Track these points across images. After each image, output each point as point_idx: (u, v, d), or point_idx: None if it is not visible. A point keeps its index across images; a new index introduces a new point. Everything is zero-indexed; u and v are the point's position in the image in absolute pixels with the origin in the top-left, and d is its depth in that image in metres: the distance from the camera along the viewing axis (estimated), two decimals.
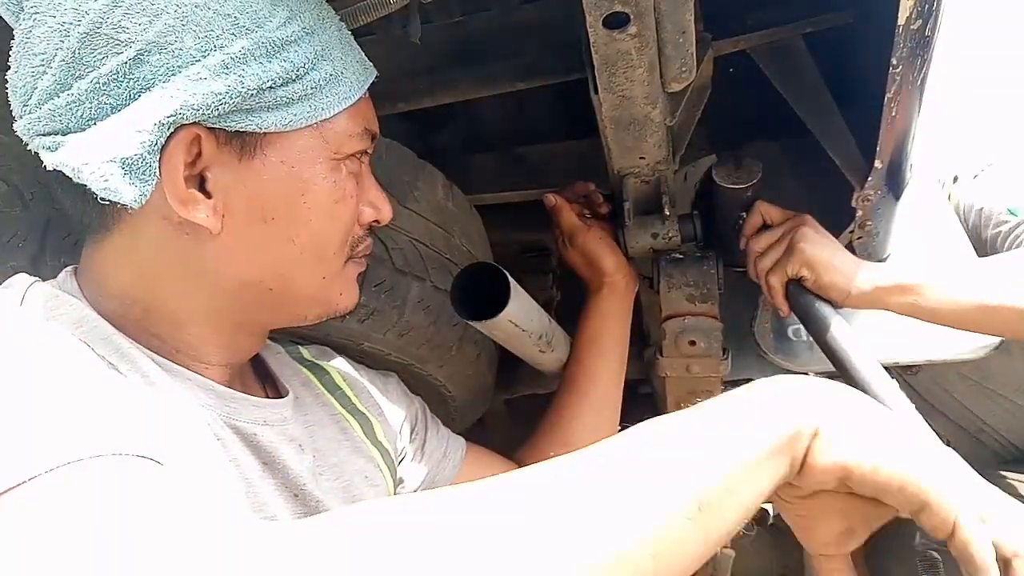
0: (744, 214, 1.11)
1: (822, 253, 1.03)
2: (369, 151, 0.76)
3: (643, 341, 1.50)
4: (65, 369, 0.53)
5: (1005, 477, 1.55)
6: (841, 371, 1.01)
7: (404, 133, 1.22)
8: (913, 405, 0.87)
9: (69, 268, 0.70)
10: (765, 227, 1.11)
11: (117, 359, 0.63)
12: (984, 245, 1.33)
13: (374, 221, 0.79)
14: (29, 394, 0.48)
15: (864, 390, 0.95)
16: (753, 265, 1.10)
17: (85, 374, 0.54)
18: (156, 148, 0.60)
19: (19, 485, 0.43)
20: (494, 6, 1.03)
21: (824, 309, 1.03)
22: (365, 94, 0.73)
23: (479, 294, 0.96)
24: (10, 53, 0.62)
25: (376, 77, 0.75)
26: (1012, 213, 1.26)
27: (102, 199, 0.59)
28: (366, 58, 0.74)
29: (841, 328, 1.00)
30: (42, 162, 0.63)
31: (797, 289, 1.06)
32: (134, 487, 0.46)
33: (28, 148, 0.63)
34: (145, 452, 0.49)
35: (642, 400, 2.09)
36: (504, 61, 1.03)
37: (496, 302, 0.95)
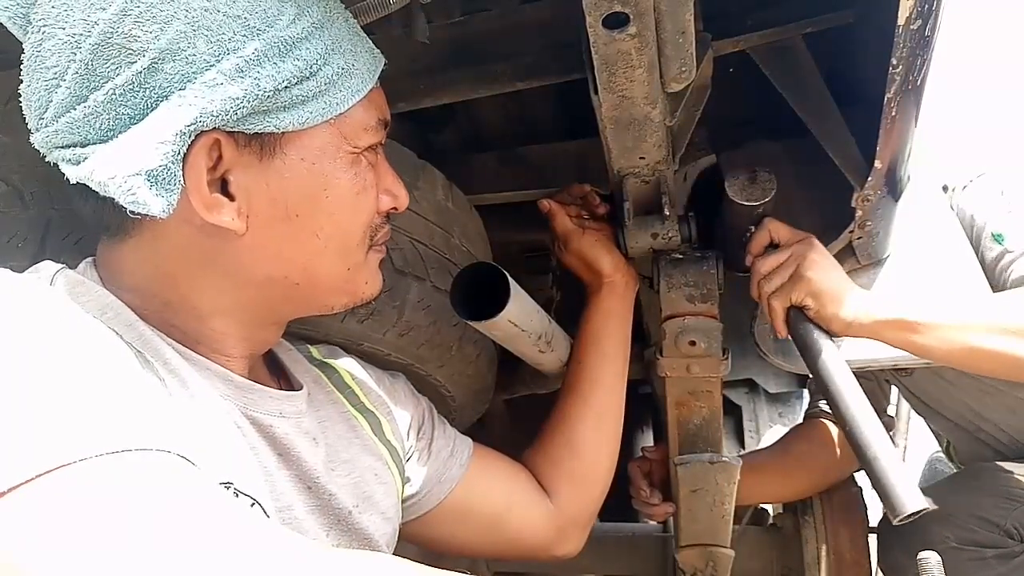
0: (752, 228, 1.11)
1: (828, 284, 1.04)
2: (383, 141, 0.76)
3: (643, 341, 1.50)
4: (102, 356, 0.54)
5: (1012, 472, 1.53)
6: (831, 405, 1.03)
7: (404, 133, 1.22)
8: (898, 449, 0.88)
9: (89, 259, 0.71)
10: (772, 245, 1.10)
11: (141, 346, 0.64)
12: (980, 255, 1.32)
13: (392, 208, 0.79)
14: (73, 379, 0.50)
15: (850, 429, 0.98)
16: (756, 285, 1.10)
17: (120, 363, 0.55)
18: (179, 157, 0.60)
19: (62, 467, 0.44)
20: (494, 6, 1.03)
21: (822, 340, 1.05)
22: (376, 83, 0.73)
23: (479, 294, 0.96)
24: (20, 64, 0.62)
25: (385, 65, 0.74)
26: (996, 240, 1.25)
27: (132, 212, 0.59)
28: (374, 46, 0.74)
29: (836, 363, 1.02)
30: (46, 161, 0.63)
31: (798, 316, 1.07)
32: (169, 484, 0.48)
33: (47, 160, 0.62)
34: (179, 450, 0.51)
35: (642, 400, 2.09)
36: (504, 61, 1.03)
37: (496, 302, 0.95)
